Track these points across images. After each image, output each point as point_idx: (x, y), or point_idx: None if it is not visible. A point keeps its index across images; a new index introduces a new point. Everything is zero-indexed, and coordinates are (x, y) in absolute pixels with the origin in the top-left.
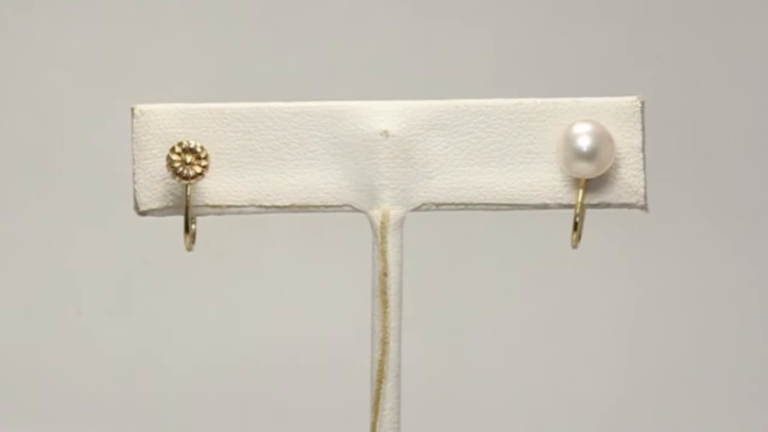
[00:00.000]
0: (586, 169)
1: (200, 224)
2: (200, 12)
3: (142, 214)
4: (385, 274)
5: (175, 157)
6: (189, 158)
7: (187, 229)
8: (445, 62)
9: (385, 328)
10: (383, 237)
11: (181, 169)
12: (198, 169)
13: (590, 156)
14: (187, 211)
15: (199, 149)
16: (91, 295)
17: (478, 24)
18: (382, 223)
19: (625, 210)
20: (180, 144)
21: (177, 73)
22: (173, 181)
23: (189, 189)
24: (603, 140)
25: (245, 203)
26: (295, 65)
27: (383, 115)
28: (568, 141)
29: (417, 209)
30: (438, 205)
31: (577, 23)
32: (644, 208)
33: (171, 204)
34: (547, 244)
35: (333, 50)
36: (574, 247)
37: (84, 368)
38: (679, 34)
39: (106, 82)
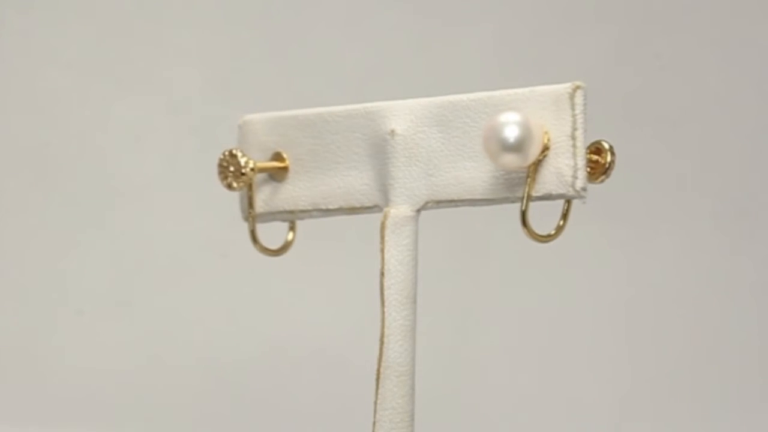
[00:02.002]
0: (514, 161)
1: (202, 224)
2: (200, 12)
3: (246, 220)
4: (382, 274)
5: (224, 163)
6: (232, 168)
7: (254, 237)
8: (444, 62)
9: (382, 328)
10: (382, 236)
11: (224, 174)
12: (235, 185)
13: (516, 147)
14: (250, 218)
15: (241, 160)
16: (91, 295)
17: (479, 24)
18: (382, 222)
19: (627, 210)
20: (224, 153)
21: (177, 73)
22: (266, 187)
23: (252, 197)
24: (524, 130)
25: (310, 207)
26: (295, 65)
27: (398, 113)
28: (493, 134)
29: (423, 208)
30: (438, 203)
31: (577, 23)
32: (576, 197)
33: (262, 210)
34: (547, 244)
35: (333, 50)
36: (537, 240)
37: (84, 368)
38: (679, 34)
39: (106, 82)
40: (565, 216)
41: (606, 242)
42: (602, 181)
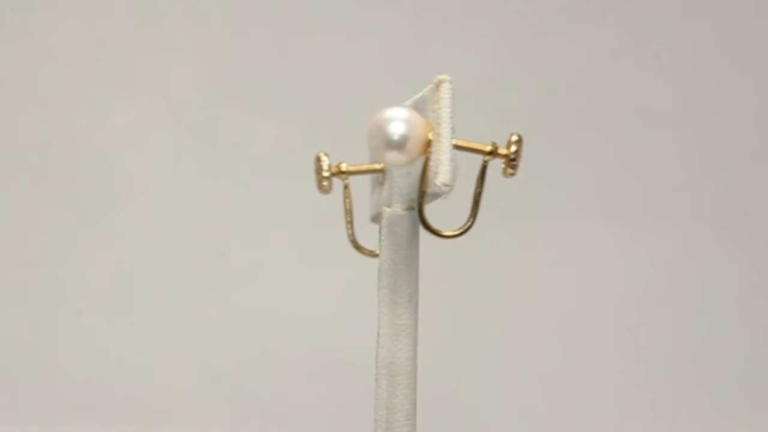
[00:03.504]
0: (397, 158)
1: (201, 224)
2: (200, 12)
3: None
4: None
5: (314, 166)
6: (317, 171)
7: (351, 237)
8: (444, 62)
9: (378, 327)
10: (380, 236)
11: (315, 178)
12: (319, 189)
13: (397, 144)
14: (347, 218)
15: (324, 164)
16: (91, 295)
17: (479, 23)
18: (381, 222)
19: (626, 209)
20: (314, 157)
21: (177, 73)
22: (378, 189)
23: (347, 199)
24: (406, 126)
25: (376, 212)
26: (295, 65)
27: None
28: (377, 132)
29: (409, 208)
30: (413, 202)
31: (577, 23)
32: (439, 193)
33: (374, 212)
34: (547, 243)
35: (333, 50)
36: (438, 236)
37: (84, 368)
38: (678, 34)
39: (106, 82)
40: (472, 215)
41: (606, 242)
42: (512, 175)
